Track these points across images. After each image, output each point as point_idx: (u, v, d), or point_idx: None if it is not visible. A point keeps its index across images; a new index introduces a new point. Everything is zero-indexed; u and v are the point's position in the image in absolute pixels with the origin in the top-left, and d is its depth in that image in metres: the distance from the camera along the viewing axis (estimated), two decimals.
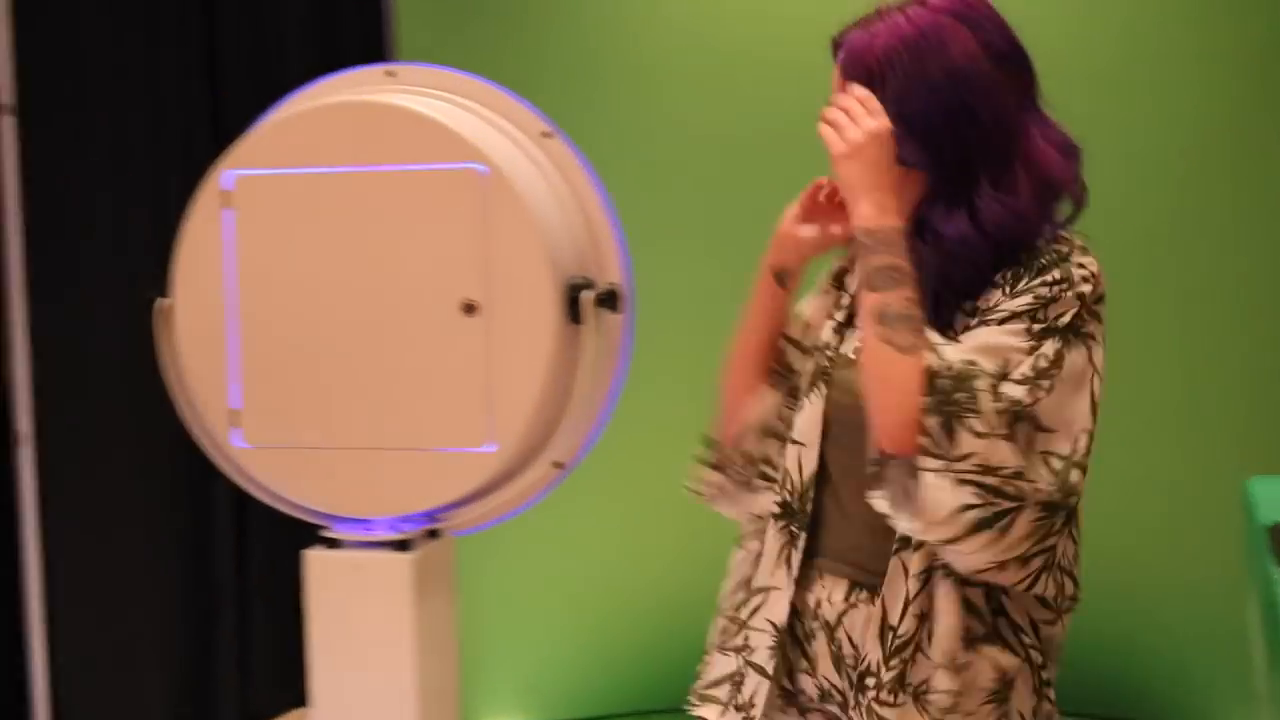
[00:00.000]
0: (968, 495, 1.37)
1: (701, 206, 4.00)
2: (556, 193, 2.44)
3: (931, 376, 1.39)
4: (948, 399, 1.40)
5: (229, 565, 4.26)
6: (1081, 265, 1.55)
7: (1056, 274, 1.53)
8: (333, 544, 2.51)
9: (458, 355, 2.25)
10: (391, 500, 2.36)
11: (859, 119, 1.54)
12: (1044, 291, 1.52)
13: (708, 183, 4.02)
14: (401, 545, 2.37)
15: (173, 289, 2.51)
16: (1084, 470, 1.50)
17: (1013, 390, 1.43)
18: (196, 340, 2.51)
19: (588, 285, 2.34)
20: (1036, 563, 1.44)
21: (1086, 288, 1.54)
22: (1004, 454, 1.38)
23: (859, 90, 1.55)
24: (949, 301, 1.53)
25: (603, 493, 3.82)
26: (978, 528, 1.38)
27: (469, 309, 2.25)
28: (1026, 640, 1.50)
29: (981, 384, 1.42)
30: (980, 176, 1.52)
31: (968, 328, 1.50)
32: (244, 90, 3.62)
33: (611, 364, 2.47)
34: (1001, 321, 1.47)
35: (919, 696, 1.47)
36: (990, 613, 1.48)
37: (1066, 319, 1.51)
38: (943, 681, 1.45)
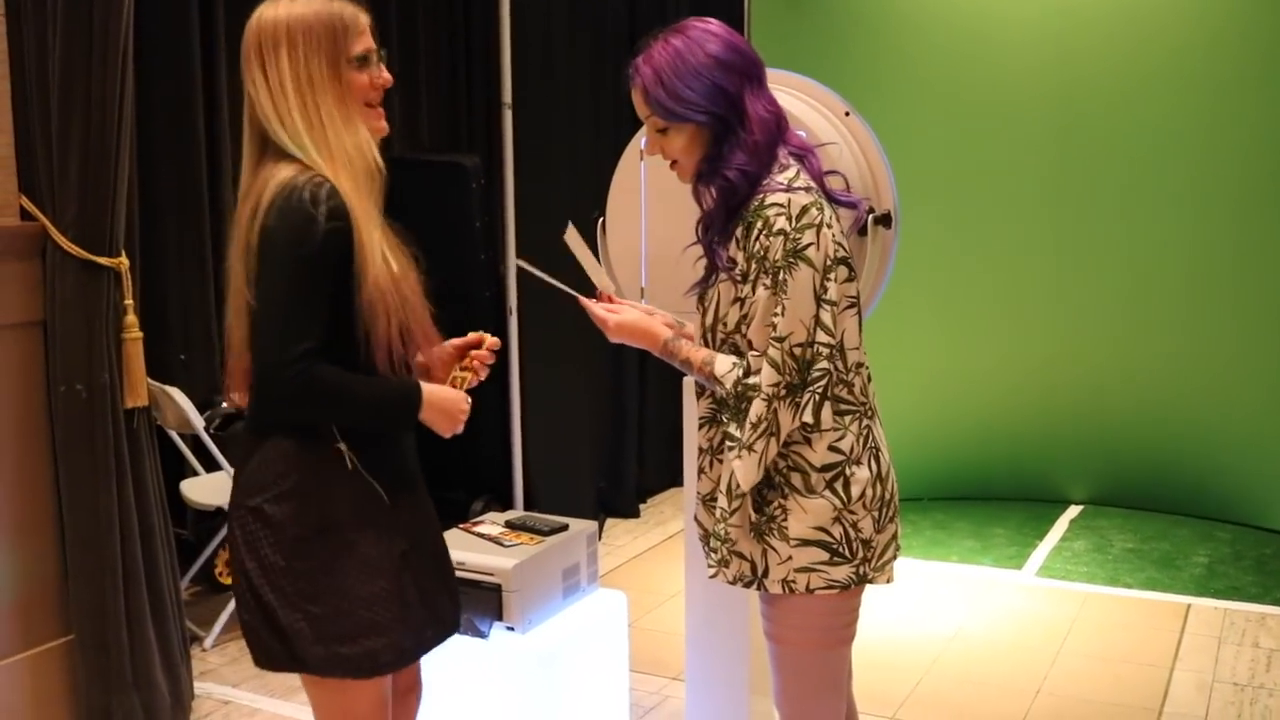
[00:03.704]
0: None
1: (945, 158, 5.01)
2: (851, 149, 2.87)
3: (722, 400, 2.00)
4: (735, 409, 1.96)
5: (635, 391, 5.16)
6: (776, 204, 1.91)
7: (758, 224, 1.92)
8: None
9: None
10: None
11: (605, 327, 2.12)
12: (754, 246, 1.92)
13: (950, 142, 5.05)
14: None
15: (607, 210, 3.07)
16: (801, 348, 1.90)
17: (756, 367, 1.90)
18: (620, 241, 3.04)
19: (871, 210, 2.74)
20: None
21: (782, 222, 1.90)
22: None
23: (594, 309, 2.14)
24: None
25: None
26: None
27: None
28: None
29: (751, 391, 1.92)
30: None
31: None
32: None
33: (886, 258, 2.91)
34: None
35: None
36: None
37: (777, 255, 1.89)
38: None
